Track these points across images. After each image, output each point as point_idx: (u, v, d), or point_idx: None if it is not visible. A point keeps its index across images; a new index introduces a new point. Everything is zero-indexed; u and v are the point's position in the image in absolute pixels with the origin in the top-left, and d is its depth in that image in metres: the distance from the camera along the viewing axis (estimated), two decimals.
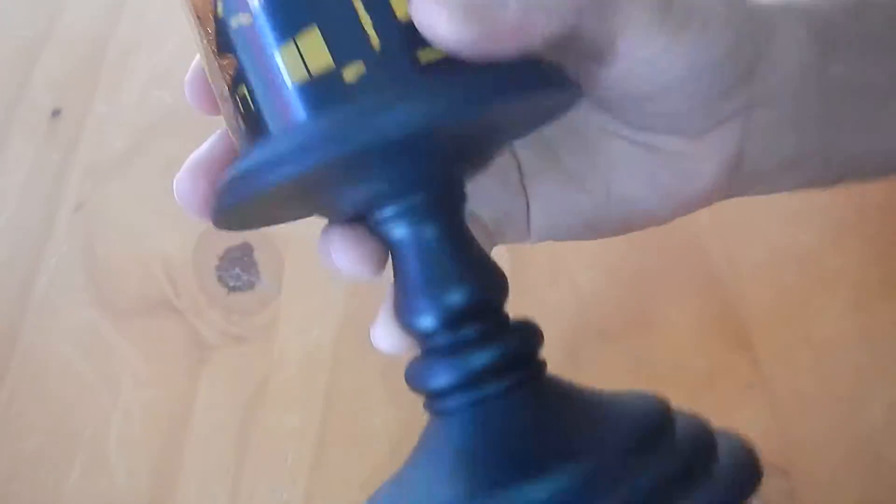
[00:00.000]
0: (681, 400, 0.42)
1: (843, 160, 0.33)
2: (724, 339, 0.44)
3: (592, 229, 0.31)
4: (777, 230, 0.47)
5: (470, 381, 0.23)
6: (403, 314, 0.24)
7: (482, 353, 0.23)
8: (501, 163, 0.29)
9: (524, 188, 0.30)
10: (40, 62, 0.56)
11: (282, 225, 0.28)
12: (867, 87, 0.31)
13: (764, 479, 0.40)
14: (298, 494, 0.40)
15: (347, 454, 0.40)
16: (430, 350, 0.24)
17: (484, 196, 0.28)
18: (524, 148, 0.30)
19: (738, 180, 0.31)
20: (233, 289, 0.45)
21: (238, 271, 0.45)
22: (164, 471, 0.41)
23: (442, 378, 0.23)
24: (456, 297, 0.24)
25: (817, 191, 0.35)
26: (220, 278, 0.46)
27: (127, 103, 0.53)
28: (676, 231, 0.32)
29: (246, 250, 0.46)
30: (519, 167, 0.30)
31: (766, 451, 0.40)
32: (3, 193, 0.51)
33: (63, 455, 0.41)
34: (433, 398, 0.24)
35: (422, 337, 0.24)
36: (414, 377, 0.24)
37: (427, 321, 0.24)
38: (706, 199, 0.30)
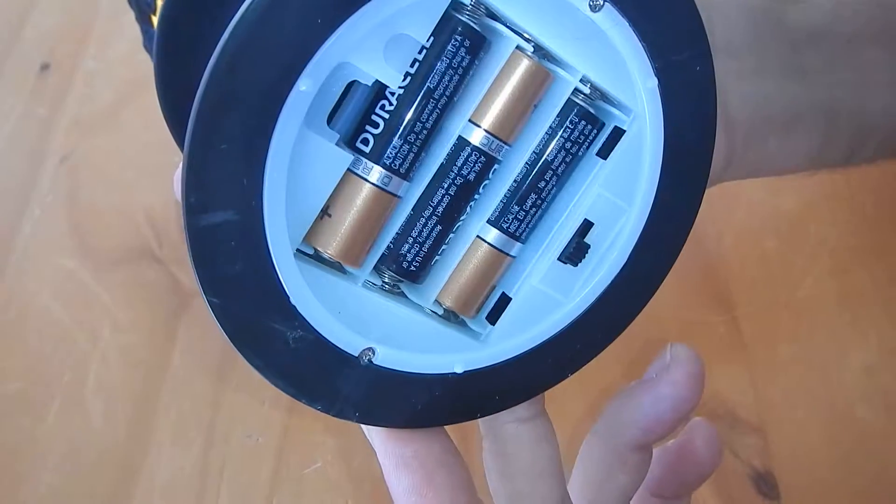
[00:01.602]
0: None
1: (848, 123, 0.33)
2: (704, 300, 0.45)
3: None
4: (762, 195, 0.48)
5: None
6: None
7: None
8: None
9: None
10: (31, 17, 0.56)
11: None
12: (839, 31, 0.31)
13: (739, 437, 0.41)
14: (273, 440, 0.41)
15: None
16: None
17: None
18: None
19: (736, 144, 0.31)
20: None
21: None
22: (141, 415, 0.41)
23: None
24: None
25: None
26: None
27: (115, 59, 0.54)
28: None
29: None
30: None
31: (742, 410, 0.42)
32: None
33: (40, 399, 0.42)
34: None
35: None
36: None
37: None
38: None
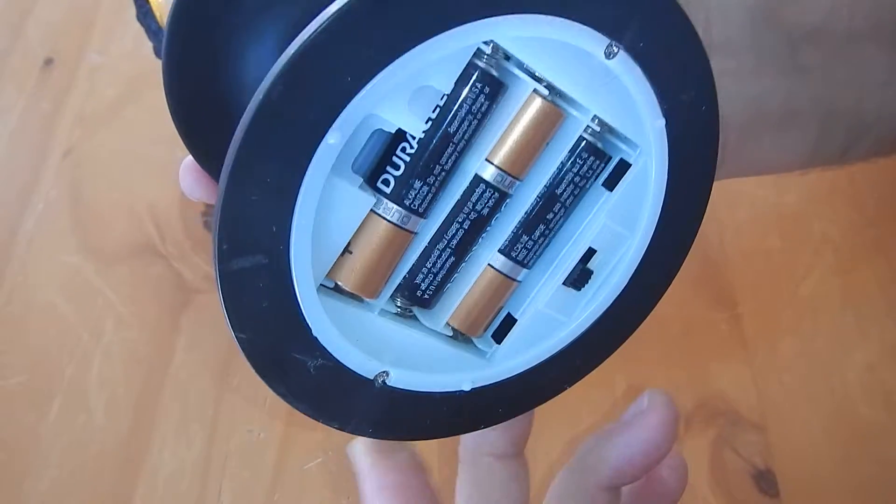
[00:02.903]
0: (659, 353, 0.43)
1: (844, 121, 0.33)
2: (706, 297, 0.45)
3: None
4: (764, 193, 0.48)
5: None
6: None
7: None
8: None
9: None
10: (34, 12, 0.57)
11: None
12: (836, 30, 0.31)
13: (740, 434, 0.41)
14: (275, 435, 0.41)
15: None
16: None
17: None
18: None
19: (729, 143, 0.31)
20: None
21: None
22: (144, 410, 0.42)
23: None
24: None
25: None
26: (206, 224, 0.47)
27: (118, 53, 0.54)
28: None
29: None
30: None
31: (743, 407, 0.42)
32: None
33: (43, 393, 0.42)
34: None
35: None
36: None
37: None
38: None
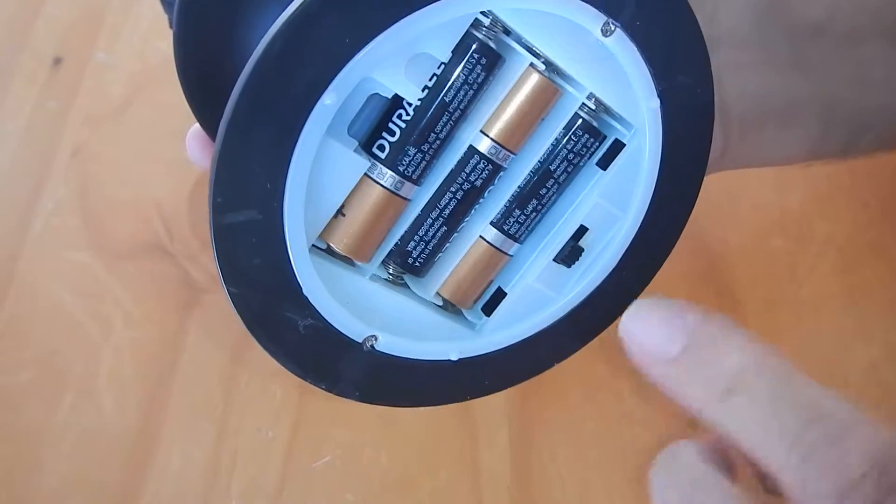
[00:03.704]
0: None
1: (846, 117, 0.33)
2: (708, 297, 0.45)
3: None
4: (767, 192, 0.48)
5: None
6: None
7: None
8: None
9: None
10: (43, 11, 0.57)
11: None
12: (839, 26, 0.32)
13: None
14: (285, 432, 0.41)
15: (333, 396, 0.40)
16: None
17: None
18: None
19: (731, 135, 0.31)
20: None
21: None
22: (153, 407, 0.42)
23: None
24: None
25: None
26: None
27: (127, 53, 0.54)
28: None
29: None
30: None
31: None
32: (2, 139, 0.52)
33: (53, 390, 0.42)
34: None
35: None
36: None
37: None
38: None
